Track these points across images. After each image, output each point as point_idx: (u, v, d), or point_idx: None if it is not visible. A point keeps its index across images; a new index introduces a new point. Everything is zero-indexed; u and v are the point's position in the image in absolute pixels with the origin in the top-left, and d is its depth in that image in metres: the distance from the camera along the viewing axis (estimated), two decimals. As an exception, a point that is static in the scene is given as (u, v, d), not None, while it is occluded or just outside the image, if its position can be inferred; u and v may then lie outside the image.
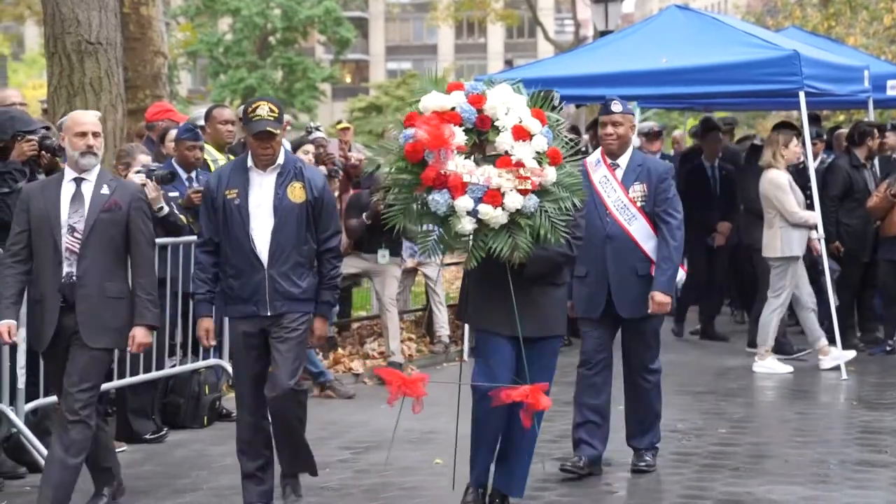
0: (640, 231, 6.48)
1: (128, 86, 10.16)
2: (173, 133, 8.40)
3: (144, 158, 7.75)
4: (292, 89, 45.36)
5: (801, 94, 9.62)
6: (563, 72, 10.69)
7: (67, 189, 5.67)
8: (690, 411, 8.26)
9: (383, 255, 9.77)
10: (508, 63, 55.43)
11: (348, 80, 63.06)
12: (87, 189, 5.68)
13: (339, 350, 10.09)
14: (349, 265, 9.93)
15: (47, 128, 7.11)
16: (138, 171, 7.53)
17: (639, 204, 6.48)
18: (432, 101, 5.36)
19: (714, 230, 11.26)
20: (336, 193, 9.64)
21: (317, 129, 10.64)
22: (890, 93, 12.52)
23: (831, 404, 8.64)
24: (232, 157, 8.96)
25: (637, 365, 6.73)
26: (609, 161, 6.57)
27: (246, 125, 5.75)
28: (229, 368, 8.30)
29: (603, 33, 14.89)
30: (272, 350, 5.83)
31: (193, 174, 8.18)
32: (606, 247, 6.45)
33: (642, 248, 6.48)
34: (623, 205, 6.47)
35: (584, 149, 12.47)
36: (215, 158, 8.62)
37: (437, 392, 9.21)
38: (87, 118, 5.79)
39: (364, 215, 9.70)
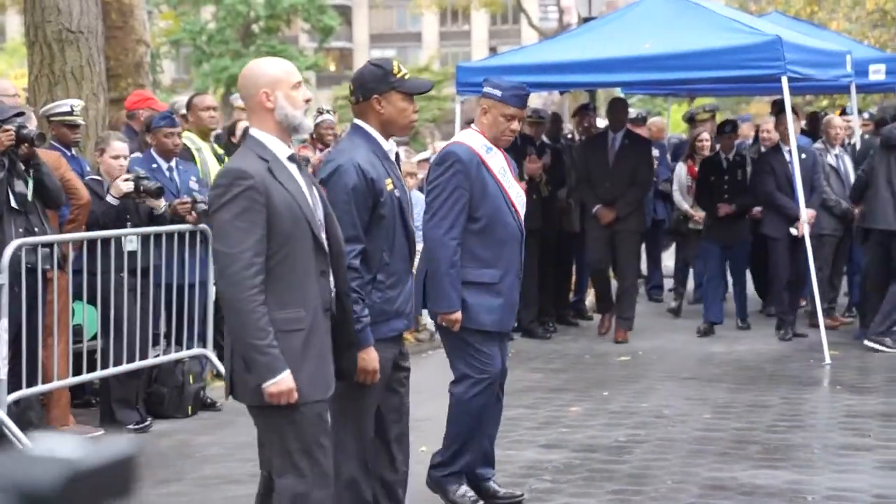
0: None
1: (110, 75, 10.11)
2: None
3: (119, 145, 7.65)
4: (276, 77, 45.20)
5: (784, 80, 9.63)
6: (546, 58, 10.70)
7: (294, 170, 4.11)
8: (675, 397, 8.28)
9: None
10: (493, 50, 55.38)
11: (332, 68, 62.89)
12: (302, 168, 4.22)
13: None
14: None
15: (20, 114, 7.01)
16: (126, 179, 7.49)
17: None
18: None
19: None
20: None
21: (328, 111, 10.72)
22: (872, 77, 12.57)
23: (815, 389, 8.67)
24: (217, 146, 8.96)
25: (502, 382, 5.80)
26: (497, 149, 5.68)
27: (397, 86, 4.70)
28: (213, 358, 8.30)
29: (586, 20, 14.85)
30: (396, 385, 4.94)
31: (173, 163, 8.16)
32: (520, 247, 5.66)
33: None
34: (522, 202, 5.70)
35: (569, 135, 12.54)
36: (199, 147, 8.60)
37: (424, 379, 9.27)
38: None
39: None
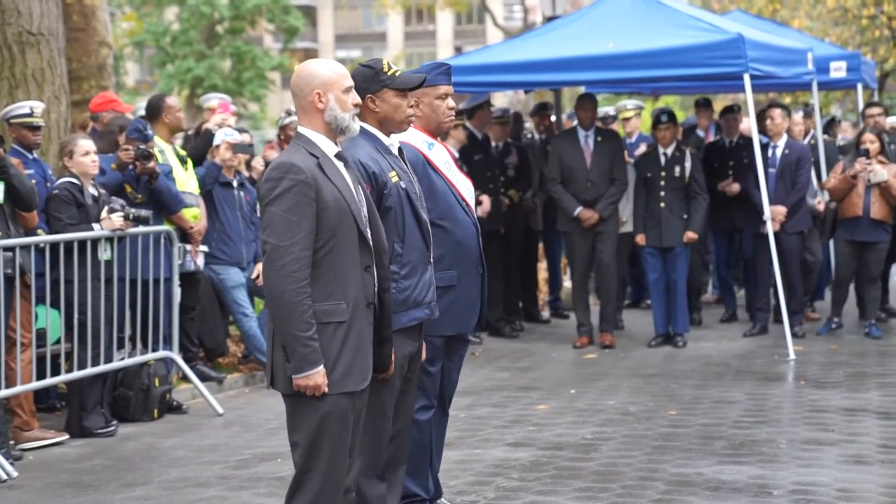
0: None
1: (73, 77, 10.04)
2: None
3: (84, 142, 7.63)
4: (241, 78, 44.96)
5: (746, 77, 9.70)
6: (510, 57, 10.71)
7: (341, 167, 4.27)
8: (641, 394, 8.32)
9: None
10: (458, 50, 55.41)
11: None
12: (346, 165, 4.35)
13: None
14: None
15: None
16: (116, 210, 7.55)
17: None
18: None
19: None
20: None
21: (295, 112, 10.69)
22: (833, 75, 12.69)
23: (779, 384, 8.72)
24: (181, 148, 8.92)
25: (452, 394, 5.54)
26: (438, 142, 5.39)
27: (389, 84, 4.74)
28: (179, 360, 8.26)
29: (550, 19, 14.89)
30: (405, 385, 4.89)
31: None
32: (477, 242, 5.34)
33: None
34: (471, 193, 5.41)
35: (528, 135, 12.53)
36: (162, 149, 8.56)
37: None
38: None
39: None
